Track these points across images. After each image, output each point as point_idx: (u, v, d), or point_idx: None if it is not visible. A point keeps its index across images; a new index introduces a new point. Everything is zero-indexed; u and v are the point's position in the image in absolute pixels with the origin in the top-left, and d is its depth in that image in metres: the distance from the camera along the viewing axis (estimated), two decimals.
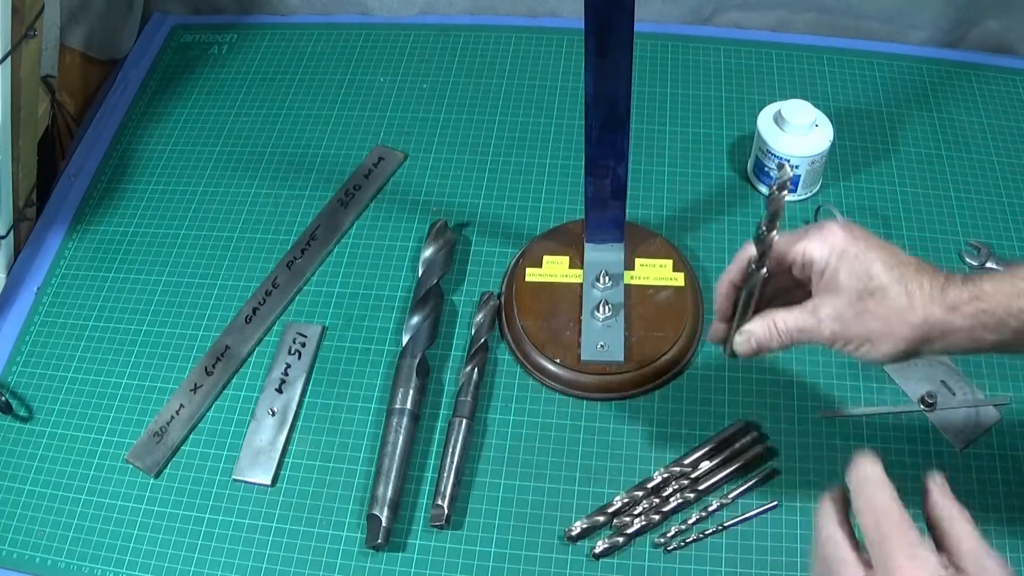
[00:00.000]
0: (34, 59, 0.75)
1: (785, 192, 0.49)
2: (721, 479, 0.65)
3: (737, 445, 0.66)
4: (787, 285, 0.55)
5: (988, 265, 0.75)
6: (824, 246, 0.52)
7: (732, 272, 0.55)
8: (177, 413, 0.71)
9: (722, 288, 0.57)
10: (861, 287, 0.51)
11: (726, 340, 0.58)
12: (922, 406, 0.68)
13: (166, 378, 0.73)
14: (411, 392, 0.69)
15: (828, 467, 0.66)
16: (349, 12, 1.01)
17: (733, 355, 0.58)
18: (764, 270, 0.53)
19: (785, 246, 0.53)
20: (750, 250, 0.53)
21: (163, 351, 0.75)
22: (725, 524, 0.63)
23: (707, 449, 0.66)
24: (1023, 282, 0.49)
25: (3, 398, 0.72)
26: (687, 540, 0.63)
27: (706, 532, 0.63)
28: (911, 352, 0.51)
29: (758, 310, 0.56)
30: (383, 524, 0.63)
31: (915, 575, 0.41)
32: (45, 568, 0.65)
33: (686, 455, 0.66)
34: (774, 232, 0.51)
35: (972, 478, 0.65)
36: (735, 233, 0.79)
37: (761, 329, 0.55)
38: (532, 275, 0.75)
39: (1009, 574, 0.44)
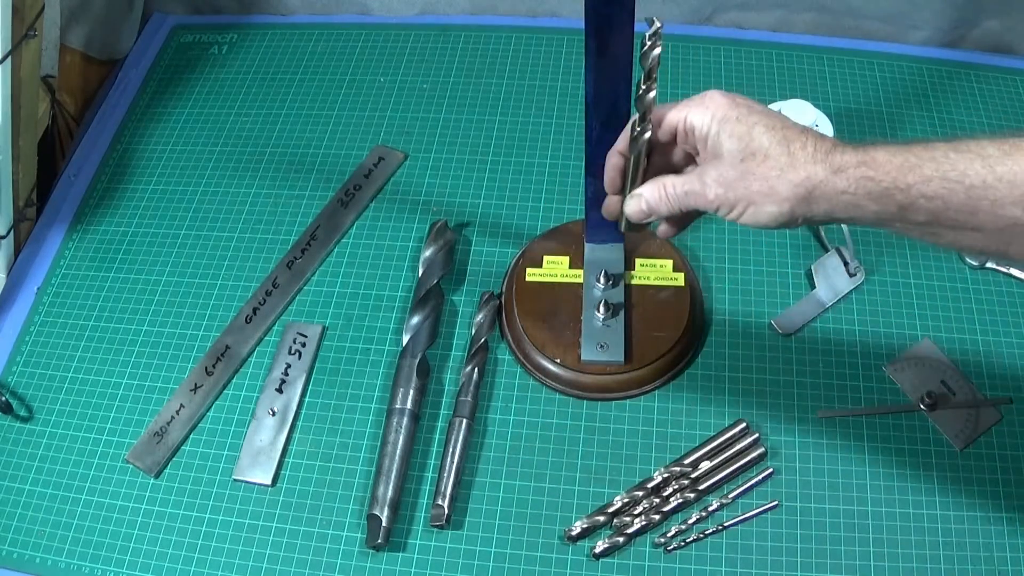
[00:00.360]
0: (34, 59, 0.75)
1: (658, 49, 0.50)
2: (721, 479, 0.65)
3: (737, 445, 0.66)
4: (679, 161, 0.55)
5: (988, 265, 0.75)
6: (705, 112, 0.51)
7: (619, 142, 0.56)
8: (177, 413, 0.71)
9: (611, 159, 0.56)
10: (743, 148, 0.50)
11: (620, 214, 0.58)
12: (922, 406, 0.68)
13: (166, 378, 0.73)
14: (411, 392, 0.69)
15: (828, 467, 0.66)
16: (349, 12, 1.01)
17: (629, 228, 0.58)
18: (647, 134, 0.53)
19: (668, 115, 0.53)
20: (634, 117, 0.53)
21: (163, 351, 0.75)
22: (725, 524, 0.63)
23: (707, 449, 0.66)
24: (916, 158, 0.47)
25: (3, 398, 0.72)
26: (687, 540, 0.63)
27: (706, 532, 0.63)
28: (796, 214, 0.50)
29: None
30: (383, 524, 0.63)
31: None
32: (45, 568, 0.65)
33: (686, 455, 0.66)
34: (652, 92, 0.52)
35: (972, 478, 0.65)
36: (735, 233, 0.79)
37: (650, 191, 0.54)
38: (532, 275, 0.75)
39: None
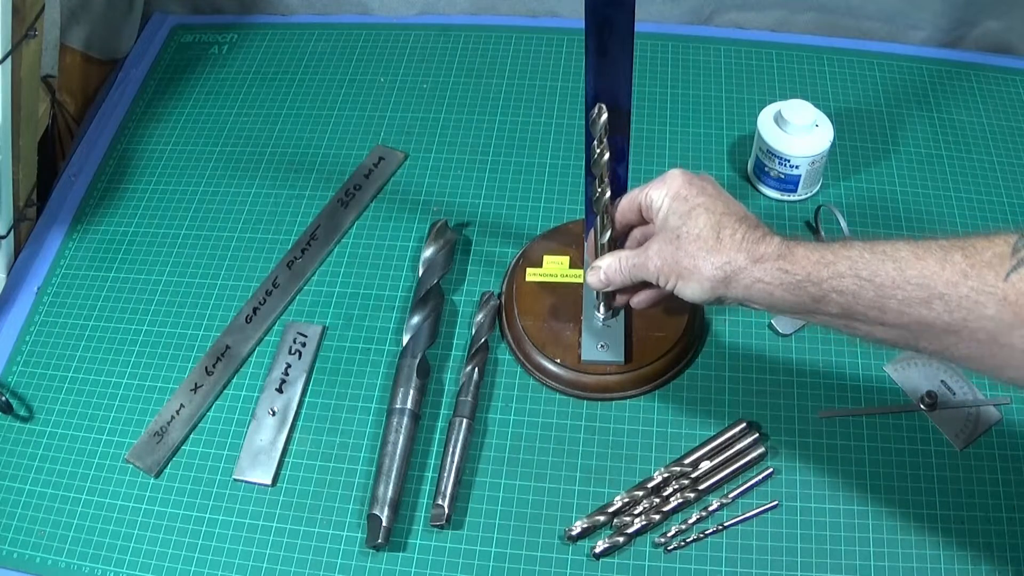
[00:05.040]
0: (34, 59, 0.75)
1: (607, 155, 0.58)
2: (721, 479, 0.65)
3: (737, 445, 0.66)
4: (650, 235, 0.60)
5: None
6: (661, 189, 0.57)
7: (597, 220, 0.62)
8: (177, 413, 0.71)
9: (589, 238, 0.63)
10: (681, 226, 0.55)
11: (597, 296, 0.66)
12: (922, 406, 0.68)
13: (166, 378, 0.73)
14: (411, 392, 0.69)
15: (828, 467, 0.66)
16: (349, 12, 1.01)
17: (608, 307, 0.66)
18: (607, 194, 0.60)
19: (634, 192, 0.60)
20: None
21: (163, 351, 0.75)
22: (725, 524, 0.63)
23: (707, 449, 0.66)
24: (832, 255, 0.50)
25: (3, 398, 0.72)
26: (687, 540, 0.63)
27: (706, 532, 0.63)
28: (716, 293, 0.54)
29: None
30: (383, 524, 0.63)
31: None
32: (45, 568, 0.65)
33: (686, 455, 0.66)
34: (605, 154, 0.58)
35: (972, 478, 0.65)
36: None
37: (608, 263, 0.61)
38: (532, 275, 0.75)
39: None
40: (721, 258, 0.53)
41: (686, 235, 0.55)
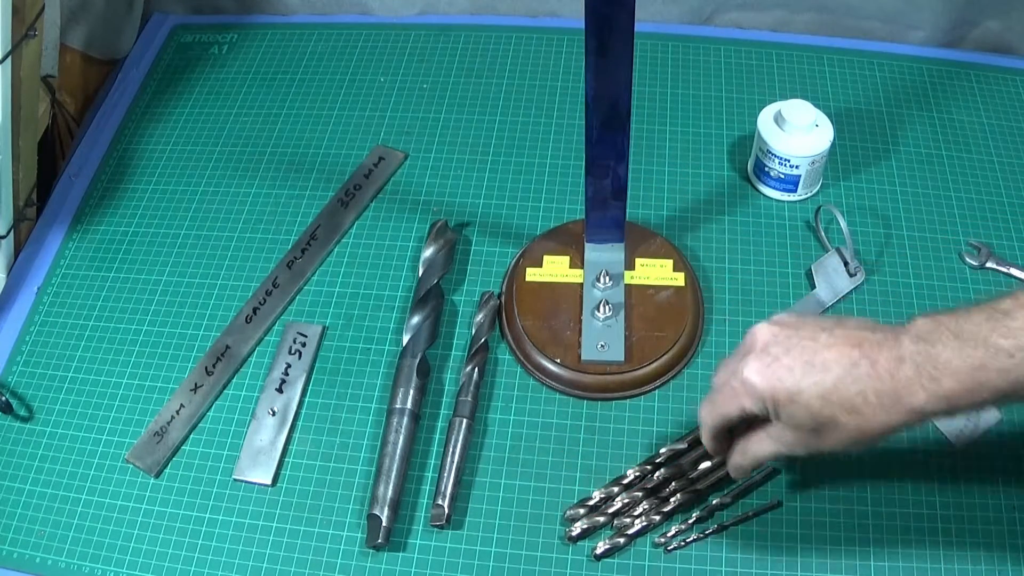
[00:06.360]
0: (34, 59, 0.75)
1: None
2: (721, 479, 0.65)
3: None
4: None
5: (988, 265, 0.75)
6: (754, 400, 0.52)
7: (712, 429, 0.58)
8: (177, 413, 0.71)
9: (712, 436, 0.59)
10: (809, 425, 0.51)
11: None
12: None
13: (166, 378, 0.73)
14: (411, 392, 0.69)
15: (828, 466, 0.66)
16: (349, 12, 1.01)
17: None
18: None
19: (727, 412, 0.55)
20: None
21: (163, 351, 0.75)
22: (725, 524, 0.63)
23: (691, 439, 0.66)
24: (984, 351, 0.46)
25: (3, 398, 0.72)
26: (687, 540, 0.63)
27: (706, 532, 0.63)
28: (890, 436, 0.51)
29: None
30: (383, 524, 0.63)
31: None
32: (45, 568, 0.65)
33: (683, 452, 0.66)
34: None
35: (972, 478, 0.65)
36: (735, 233, 0.79)
37: (741, 461, 0.58)
38: (532, 275, 0.75)
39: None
40: (875, 425, 0.49)
41: (823, 427, 0.51)
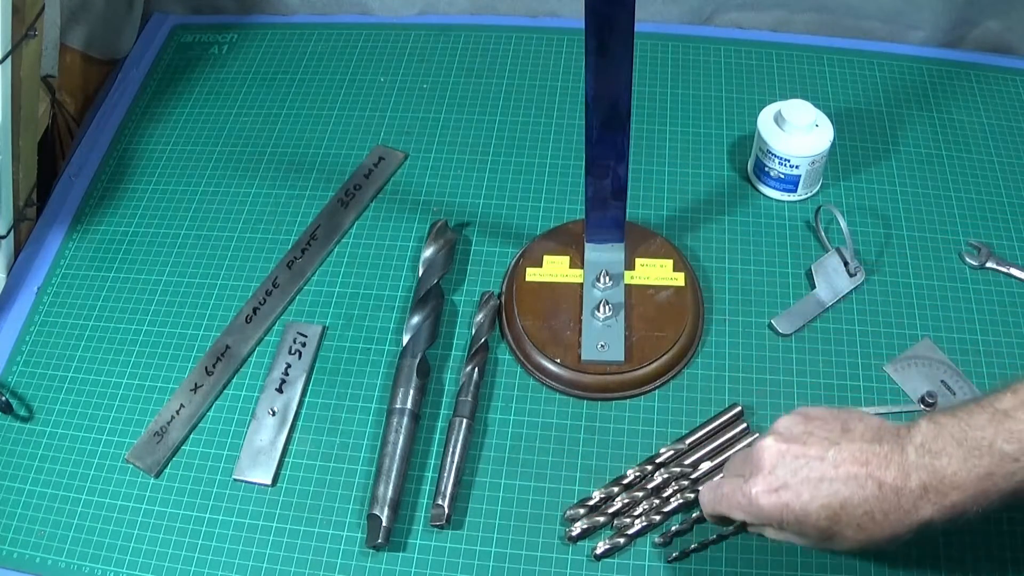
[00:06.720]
0: (34, 59, 0.75)
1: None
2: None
3: (738, 445, 0.66)
4: None
5: (988, 265, 0.75)
6: (761, 519, 0.53)
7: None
8: (177, 413, 0.71)
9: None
10: (819, 534, 0.52)
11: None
12: (922, 406, 0.68)
13: (166, 378, 0.73)
14: (411, 392, 0.69)
15: None
16: (349, 12, 1.01)
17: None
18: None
19: (726, 513, 0.55)
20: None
21: (163, 351, 0.75)
22: (725, 535, 0.63)
23: (705, 439, 0.66)
24: (986, 473, 0.47)
25: (3, 398, 0.72)
26: (688, 550, 0.63)
27: (705, 543, 0.63)
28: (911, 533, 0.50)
29: None
30: (383, 524, 0.63)
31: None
32: (45, 568, 0.65)
33: (682, 451, 0.66)
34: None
35: None
36: (735, 233, 0.79)
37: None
38: (532, 275, 0.75)
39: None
40: (885, 534, 0.50)
41: (832, 537, 0.51)
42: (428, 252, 0.76)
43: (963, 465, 0.47)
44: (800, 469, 0.51)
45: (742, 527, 0.58)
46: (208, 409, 0.71)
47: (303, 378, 0.72)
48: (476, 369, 0.70)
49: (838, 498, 0.50)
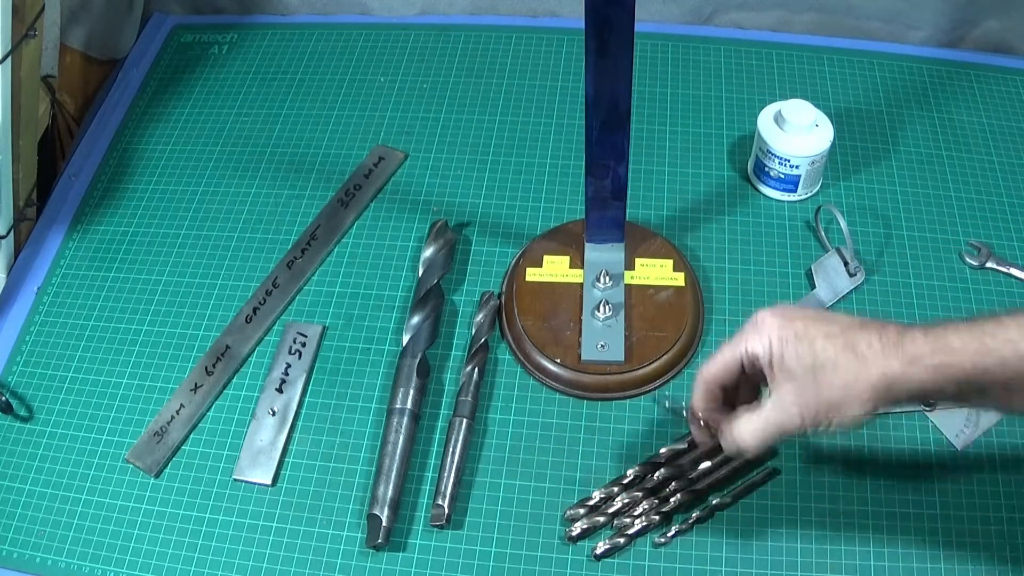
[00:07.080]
0: (34, 59, 0.75)
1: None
2: (721, 478, 0.65)
3: None
4: (745, 397, 0.58)
5: (988, 265, 0.75)
6: (761, 338, 0.53)
7: (712, 375, 0.57)
8: (177, 413, 0.71)
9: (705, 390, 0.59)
10: (810, 363, 0.51)
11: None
12: (922, 406, 0.68)
13: (166, 378, 0.73)
14: (411, 392, 0.69)
15: (828, 466, 0.66)
16: (349, 12, 1.01)
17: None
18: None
19: (724, 354, 0.55)
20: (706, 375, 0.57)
21: (163, 351, 0.75)
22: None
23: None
24: (992, 340, 0.48)
25: (3, 398, 0.72)
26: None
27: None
28: (879, 407, 0.51)
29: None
30: (383, 524, 0.63)
31: None
32: (45, 568, 0.65)
33: (685, 446, 0.66)
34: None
35: (972, 478, 0.65)
36: (735, 233, 0.79)
37: (747, 434, 0.55)
38: (532, 275, 0.75)
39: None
40: (873, 373, 0.50)
41: (822, 368, 0.51)
42: (428, 252, 0.76)
43: (959, 338, 0.49)
44: (803, 310, 0.54)
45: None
46: (208, 409, 0.71)
47: (303, 378, 0.72)
48: (476, 369, 0.70)
49: (839, 325, 0.52)
